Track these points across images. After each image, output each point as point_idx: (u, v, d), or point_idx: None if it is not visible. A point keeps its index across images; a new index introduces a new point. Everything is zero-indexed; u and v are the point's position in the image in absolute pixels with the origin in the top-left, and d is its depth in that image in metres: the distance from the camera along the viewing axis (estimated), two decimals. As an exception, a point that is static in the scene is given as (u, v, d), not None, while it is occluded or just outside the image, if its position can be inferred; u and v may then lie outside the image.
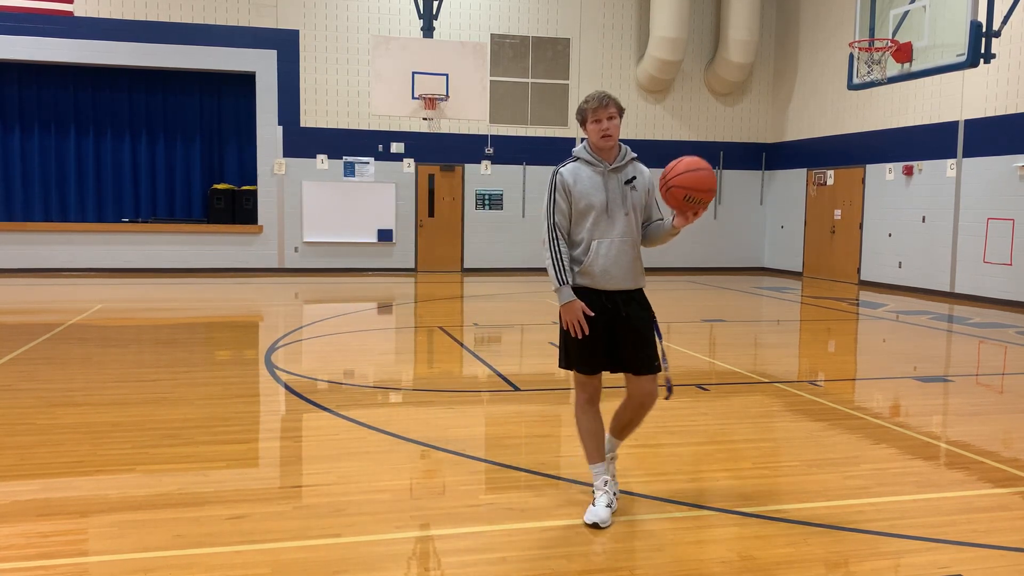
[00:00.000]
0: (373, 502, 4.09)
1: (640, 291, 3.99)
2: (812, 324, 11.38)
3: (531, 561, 3.47)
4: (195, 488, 4.26)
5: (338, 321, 10.87)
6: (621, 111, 3.93)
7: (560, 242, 3.89)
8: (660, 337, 3.97)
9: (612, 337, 3.90)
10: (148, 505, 4.00)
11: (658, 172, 3.63)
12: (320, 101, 17.03)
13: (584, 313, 3.81)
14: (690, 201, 3.73)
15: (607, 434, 4.11)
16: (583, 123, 3.94)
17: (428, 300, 13.29)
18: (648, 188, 4.01)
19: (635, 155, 4.02)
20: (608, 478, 3.96)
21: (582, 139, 4.14)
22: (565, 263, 3.86)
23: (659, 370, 3.92)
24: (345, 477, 4.45)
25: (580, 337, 3.82)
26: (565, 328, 3.87)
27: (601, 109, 3.86)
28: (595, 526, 3.80)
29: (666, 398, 4.07)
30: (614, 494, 3.97)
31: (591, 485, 4.23)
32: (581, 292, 3.89)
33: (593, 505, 3.88)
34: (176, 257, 16.75)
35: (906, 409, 6.34)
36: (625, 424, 4.12)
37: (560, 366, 4.02)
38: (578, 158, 3.96)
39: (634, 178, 3.94)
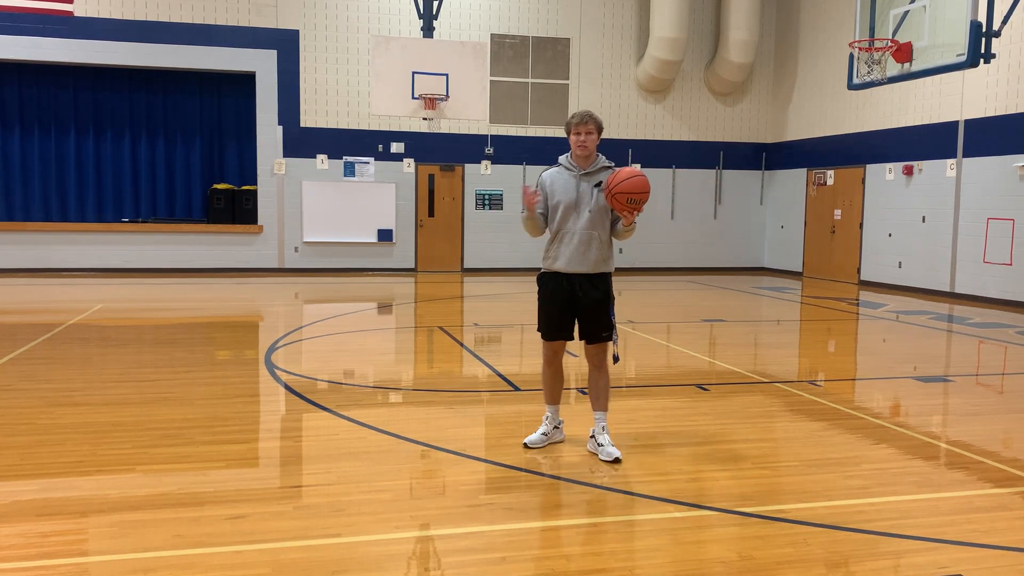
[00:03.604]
0: (373, 502, 4.09)
1: (600, 276, 4.82)
2: (812, 324, 11.38)
3: (531, 561, 3.47)
4: (195, 488, 4.27)
5: (338, 321, 10.87)
6: (599, 129, 4.81)
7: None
8: (613, 316, 4.85)
9: (571, 313, 4.85)
10: (148, 505, 4.00)
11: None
12: (320, 101, 17.03)
13: (532, 194, 4.73)
14: (631, 203, 4.57)
15: (593, 412, 4.97)
16: (568, 133, 4.82)
17: (428, 300, 13.29)
18: None
19: (611, 165, 4.86)
20: (550, 415, 5.04)
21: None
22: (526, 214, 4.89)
23: (607, 340, 4.85)
24: (345, 477, 4.46)
25: (533, 198, 4.74)
26: (527, 196, 4.75)
27: (581, 125, 4.75)
28: (525, 445, 4.95)
29: (614, 363, 4.93)
30: (555, 427, 5.04)
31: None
32: (548, 276, 4.88)
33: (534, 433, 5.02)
34: (176, 257, 16.74)
35: (906, 409, 6.34)
36: (592, 390, 4.99)
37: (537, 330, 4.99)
38: (560, 164, 4.90)
39: (601, 182, 4.74)
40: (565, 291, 4.81)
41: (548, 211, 4.87)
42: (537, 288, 4.99)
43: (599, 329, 4.83)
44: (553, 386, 5.06)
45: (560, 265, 4.81)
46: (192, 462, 4.70)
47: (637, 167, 4.67)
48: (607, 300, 4.83)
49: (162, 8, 16.17)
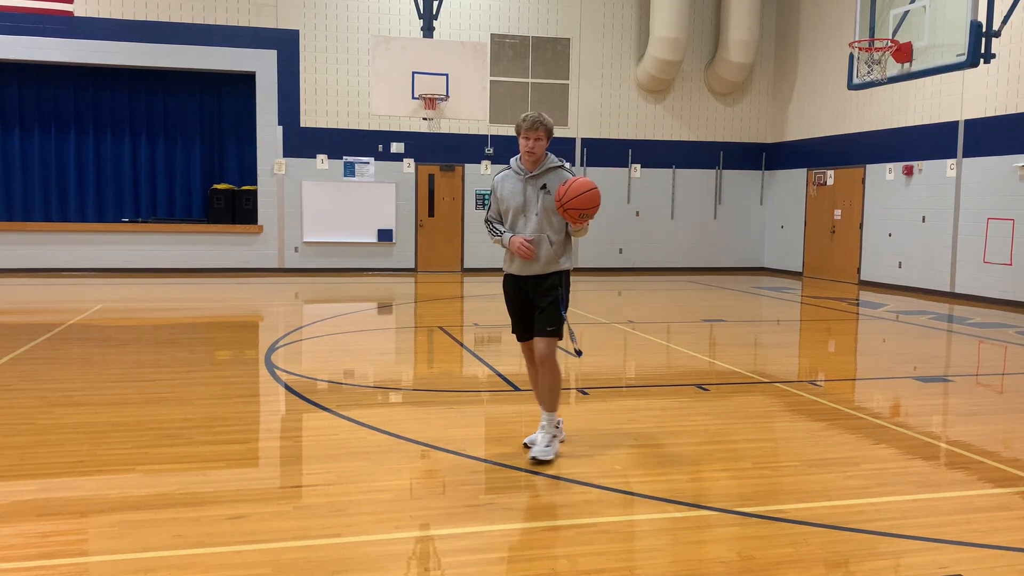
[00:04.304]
0: (373, 502, 4.09)
1: (550, 275, 4.77)
2: (812, 324, 11.38)
3: (531, 561, 3.47)
4: (195, 488, 4.26)
5: (338, 321, 10.87)
6: (549, 134, 4.74)
7: (494, 224, 4.95)
8: (564, 311, 4.78)
9: (526, 312, 4.88)
10: (148, 505, 4.00)
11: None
12: (320, 101, 17.03)
13: (523, 244, 4.69)
14: (584, 217, 4.55)
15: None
16: (517, 135, 4.75)
17: (428, 300, 13.29)
18: None
19: (560, 164, 4.81)
20: (544, 423, 4.87)
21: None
22: (501, 230, 4.89)
23: (552, 335, 4.76)
24: (345, 477, 4.46)
25: (525, 252, 4.69)
26: (517, 254, 4.75)
27: (531, 131, 4.67)
28: (525, 445, 4.96)
29: (577, 356, 4.99)
30: (552, 437, 4.91)
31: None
32: (507, 278, 4.92)
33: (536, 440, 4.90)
34: (176, 257, 16.74)
35: (906, 409, 6.34)
36: (537, 388, 4.92)
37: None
38: (510, 166, 4.88)
39: (546, 184, 4.72)
40: (521, 292, 4.86)
41: (502, 216, 4.91)
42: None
43: (544, 323, 4.77)
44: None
45: (514, 268, 4.84)
46: (192, 462, 4.70)
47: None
48: (555, 295, 4.77)
49: (162, 8, 16.17)
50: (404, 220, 17.62)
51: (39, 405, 5.94)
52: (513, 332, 5.03)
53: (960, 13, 9.69)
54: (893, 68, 10.62)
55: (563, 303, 4.80)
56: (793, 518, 3.95)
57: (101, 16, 15.87)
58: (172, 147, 17.44)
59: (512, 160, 4.89)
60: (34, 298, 12.86)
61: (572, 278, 4.97)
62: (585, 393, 6.61)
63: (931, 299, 13.96)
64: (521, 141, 4.72)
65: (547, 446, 4.74)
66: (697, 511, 4.06)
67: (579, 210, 4.50)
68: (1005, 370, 8.12)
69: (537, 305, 4.79)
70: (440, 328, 10.18)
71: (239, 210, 17.02)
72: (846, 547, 3.64)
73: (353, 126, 17.18)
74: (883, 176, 15.82)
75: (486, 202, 17.91)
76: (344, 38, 17.01)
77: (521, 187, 4.78)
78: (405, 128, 17.31)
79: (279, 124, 16.86)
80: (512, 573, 3.36)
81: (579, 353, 4.94)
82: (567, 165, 4.86)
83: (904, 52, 10.40)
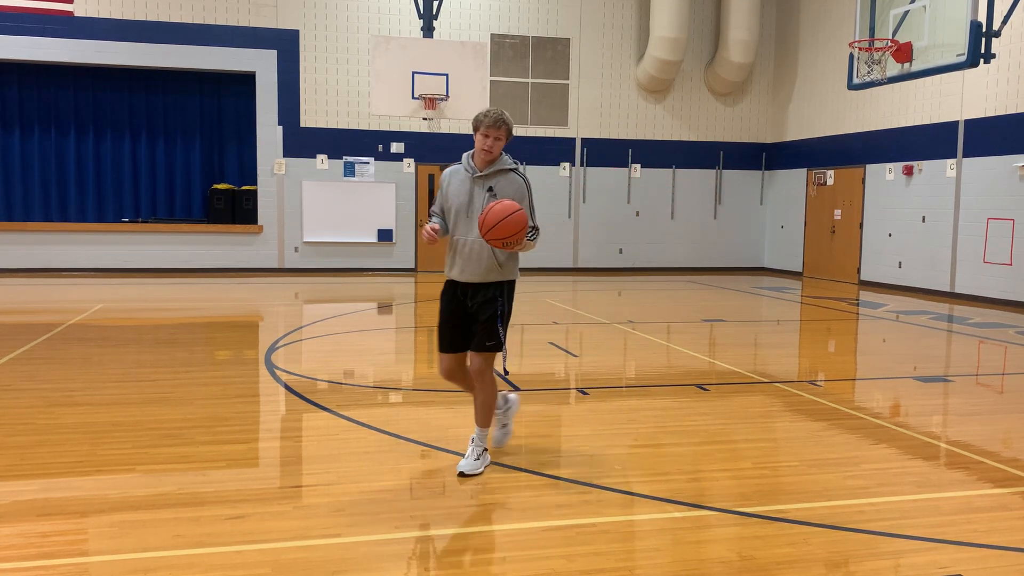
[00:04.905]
0: (373, 502, 4.09)
1: (490, 285, 4.48)
2: (812, 324, 11.38)
3: (531, 561, 3.46)
4: (195, 488, 4.26)
5: (338, 321, 10.87)
6: (509, 134, 4.44)
7: (433, 217, 4.63)
8: (502, 324, 4.48)
9: (460, 322, 4.56)
10: (148, 505, 4.00)
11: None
12: (320, 101, 17.03)
13: (431, 231, 4.40)
14: (508, 244, 4.23)
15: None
16: (474, 131, 4.44)
17: (428, 300, 13.28)
18: (518, 197, 4.42)
19: (513, 167, 4.51)
20: (476, 438, 4.56)
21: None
22: (433, 220, 4.57)
23: (491, 350, 4.48)
24: (345, 477, 4.46)
25: (426, 238, 4.40)
26: (423, 238, 4.60)
27: (492, 128, 4.37)
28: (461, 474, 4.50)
29: (504, 376, 4.75)
30: (484, 450, 4.59)
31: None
32: (447, 283, 4.63)
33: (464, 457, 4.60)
34: (176, 257, 16.74)
35: (906, 409, 6.34)
36: (474, 403, 4.60)
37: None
38: (461, 162, 4.55)
39: (492, 187, 4.43)
40: (458, 300, 4.57)
41: (445, 213, 4.57)
42: None
43: (484, 338, 4.47)
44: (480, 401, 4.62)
45: (454, 273, 4.55)
46: (192, 462, 4.70)
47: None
48: (494, 308, 4.46)
49: (162, 8, 16.17)
50: (404, 220, 17.62)
51: (39, 405, 5.94)
52: (440, 342, 4.68)
53: (960, 13, 9.70)
54: (893, 68, 10.62)
55: (501, 317, 4.49)
56: (793, 518, 3.95)
57: (101, 16, 15.87)
58: (172, 147, 17.44)
59: (464, 155, 4.57)
60: (34, 298, 12.85)
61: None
62: (585, 393, 6.61)
63: (931, 299, 13.96)
64: (479, 138, 4.41)
65: (476, 459, 4.50)
66: (697, 511, 4.06)
67: (501, 239, 4.19)
68: (1005, 370, 8.12)
69: (476, 317, 4.50)
70: (440, 328, 10.17)
71: (239, 210, 17.02)
72: (846, 547, 3.64)
73: (353, 126, 17.18)
74: (883, 176, 15.82)
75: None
76: (344, 38, 17.01)
77: (468, 186, 4.46)
78: (405, 128, 17.32)
79: (279, 124, 16.86)
80: (512, 573, 3.36)
81: (506, 373, 4.65)
82: (521, 169, 4.57)
83: (904, 52, 10.41)
